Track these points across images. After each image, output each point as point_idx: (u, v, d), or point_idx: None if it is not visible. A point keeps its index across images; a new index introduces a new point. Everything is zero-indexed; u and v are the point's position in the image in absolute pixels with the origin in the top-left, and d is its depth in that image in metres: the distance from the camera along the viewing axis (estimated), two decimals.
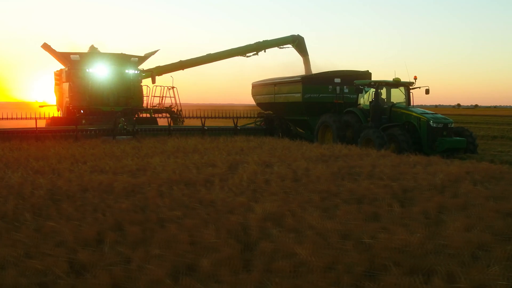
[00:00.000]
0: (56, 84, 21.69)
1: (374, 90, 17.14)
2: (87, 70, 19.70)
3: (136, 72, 20.97)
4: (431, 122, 15.20)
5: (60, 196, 7.20)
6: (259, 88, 23.29)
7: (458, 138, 15.50)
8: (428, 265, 4.24)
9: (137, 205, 6.74)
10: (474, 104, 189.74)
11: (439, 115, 15.90)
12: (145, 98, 21.56)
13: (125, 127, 17.01)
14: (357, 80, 17.97)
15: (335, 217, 6.02)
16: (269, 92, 22.01)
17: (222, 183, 8.39)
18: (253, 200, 7.09)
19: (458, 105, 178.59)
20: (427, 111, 16.41)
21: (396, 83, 17.17)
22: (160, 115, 22.01)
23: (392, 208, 6.45)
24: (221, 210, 6.53)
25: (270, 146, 14.36)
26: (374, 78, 19.64)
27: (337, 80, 19.40)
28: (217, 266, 4.37)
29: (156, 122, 21.50)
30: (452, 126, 15.64)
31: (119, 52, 21.08)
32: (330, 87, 19.34)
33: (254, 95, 23.77)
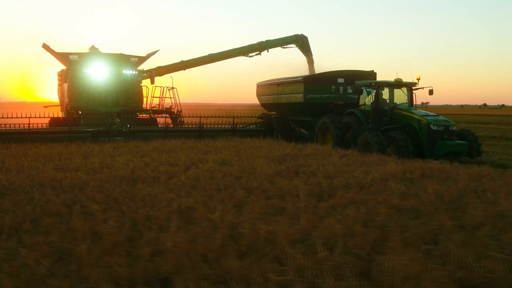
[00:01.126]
0: (58, 85, 22.61)
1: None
2: (84, 71, 20.32)
3: (135, 72, 21.50)
4: (431, 125, 15.03)
5: (9, 191, 7.89)
6: (263, 89, 23.48)
7: (459, 141, 15.27)
8: (275, 252, 4.67)
9: (71, 199, 7.35)
10: (500, 104, 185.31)
11: (441, 118, 15.69)
12: (145, 99, 22.04)
13: (119, 128, 17.41)
14: (362, 80, 17.86)
15: (239, 211, 6.48)
16: (273, 93, 22.18)
17: (168, 180, 8.95)
18: (184, 196, 7.59)
19: (484, 105, 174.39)
20: (429, 113, 16.23)
21: (398, 84, 17.01)
22: (160, 116, 22.51)
23: (307, 204, 6.83)
24: (146, 205, 7.06)
25: (246, 145, 14.78)
26: (379, 78, 19.59)
27: (341, 80, 19.33)
28: (97, 252, 4.92)
29: (156, 123, 21.79)
30: (454, 129, 15.42)
31: (120, 52, 21.61)
32: (333, 87, 19.32)
33: (258, 95, 23.99)
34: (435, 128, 15.01)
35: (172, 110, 22.61)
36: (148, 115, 22.14)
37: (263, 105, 23.65)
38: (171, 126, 20.74)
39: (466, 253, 4.70)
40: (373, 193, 7.42)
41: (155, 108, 22.61)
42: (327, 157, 11.75)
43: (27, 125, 16.63)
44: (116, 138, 17.12)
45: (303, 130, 21.74)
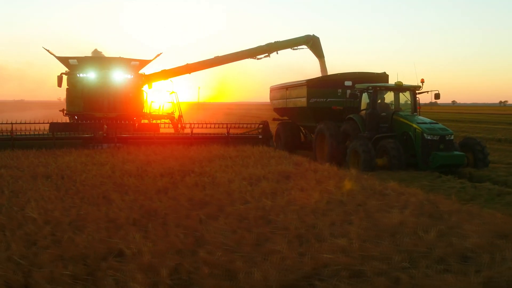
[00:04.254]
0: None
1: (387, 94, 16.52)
2: (79, 75, 21.01)
3: (132, 76, 21.88)
4: (425, 134, 14.31)
5: None
6: (274, 93, 23.39)
7: (456, 153, 14.49)
8: None
9: None
10: None
11: (438, 126, 14.95)
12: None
13: (104, 134, 17.69)
14: (373, 83, 17.04)
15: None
16: (282, 97, 22.02)
17: (76, 176, 9.92)
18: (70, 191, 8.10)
19: (504, 102, 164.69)
20: (427, 120, 15.50)
21: (398, 88, 16.33)
22: (160, 121, 22.90)
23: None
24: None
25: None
26: (391, 80, 18.70)
27: (348, 83, 18.59)
28: None
29: (158, 129, 21.96)
30: (452, 138, 14.66)
31: (126, 56, 22.25)
32: (340, 90, 18.68)
33: (271, 99, 23.92)
34: (429, 137, 14.28)
35: (172, 115, 23.02)
36: (148, 121, 22.52)
37: (275, 109, 23.50)
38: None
39: None
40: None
41: (154, 113, 23.06)
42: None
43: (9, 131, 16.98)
44: (103, 144, 17.37)
45: (313, 136, 20.94)
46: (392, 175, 12.90)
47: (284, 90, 21.81)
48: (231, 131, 20.07)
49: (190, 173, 11.78)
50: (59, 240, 6.38)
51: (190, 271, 5.25)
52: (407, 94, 16.58)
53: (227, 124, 20.20)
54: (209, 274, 5.15)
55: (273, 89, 23.52)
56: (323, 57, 25.01)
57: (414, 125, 14.80)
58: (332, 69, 24.25)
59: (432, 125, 14.89)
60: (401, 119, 15.53)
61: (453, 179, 12.82)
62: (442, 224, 6.74)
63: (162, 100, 23.62)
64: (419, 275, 4.96)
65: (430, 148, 14.22)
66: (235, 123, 21.52)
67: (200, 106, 68.19)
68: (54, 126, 19.57)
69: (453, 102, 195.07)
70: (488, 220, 6.96)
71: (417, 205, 8.02)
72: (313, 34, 25.01)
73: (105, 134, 17.74)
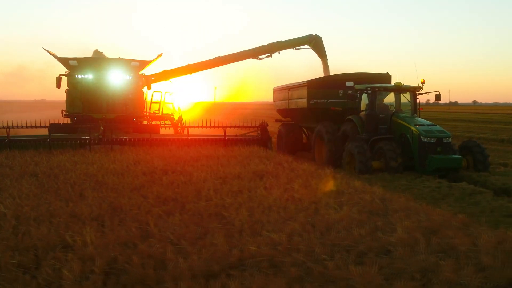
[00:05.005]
0: None
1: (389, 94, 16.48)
2: (77, 76, 21.27)
3: (132, 77, 21.96)
4: (422, 136, 14.19)
5: None
6: (277, 94, 23.53)
7: (454, 156, 14.36)
8: None
9: None
10: None
11: (435, 128, 14.81)
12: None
13: (100, 136, 17.88)
14: (375, 84, 17.00)
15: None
16: (285, 98, 22.11)
17: (63, 175, 11.20)
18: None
19: None
20: (426, 122, 15.36)
21: (397, 88, 16.19)
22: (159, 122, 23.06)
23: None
24: None
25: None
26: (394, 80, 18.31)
27: (350, 83, 18.38)
28: None
29: (158, 130, 22.01)
30: (449, 141, 14.50)
31: (127, 56, 22.42)
32: (341, 91, 18.52)
33: (274, 100, 24.12)
34: (426, 140, 14.14)
35: (172, 116, 23.31)
36: (147, 122, 22.68)
37: (278, 111, 23.67)
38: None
39: None
40: None
41: (154, 114, 23.17)
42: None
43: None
44: (97, 146, 17.52)
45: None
46: (382, 177, 13.20)
47: (286, 91, 21.93)
48: (230, 132, 19.86)
49: (170, 172, 12.30)
50: (18, 232, 6.95)
51: (125, 261, 5.75)
52: (407, 95, 16.38)
53: (225, 125, 19.79)
54: (141, 264, 5.64)
55: (276, 90, 23.67)
56: (326, 57, 24.95)
57: (412, 127, 14.66)
58: (334, 70, 24.30)
59: (429, 127, 14.74)
60: (399, 121, 15.40)
61: (432, 179, 13.07)
62: (381, 221, 7.10)
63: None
64: (332, 266, 5.36)
65: (427, 151, 14.08)
66: (234, 125, 20.97)
67: (216, 106, 68.81)
68: (53, 127, 19.53)
69: (474, 101, 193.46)
70: (427, 217, 7.28)
71: (368, 202, 8.38)
72: (316, 34, 25.02)
73: (100, 136, 17.91)
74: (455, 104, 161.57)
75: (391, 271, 5.23)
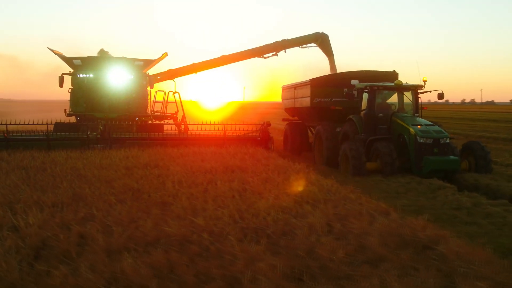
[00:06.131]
0: None
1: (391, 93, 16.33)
2: (81, 75, 22.00)
3: (135, 76, 22.55)
4: (418, 137, 13.95)
5: None
6: (285, 92, 23.69)
7: (451, 157, 13.94)
8: None
9: None
10: None
11: (433, 128, 14.44)
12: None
13: (98, 136, 18.41)
14: (381, 82, 16.70)
15: None
16: (291, 96, 22.25)
17: (51, 169, 12.29)
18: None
19: None
20: (425, 122, 14.98)
21: (397, 87, 15.95)
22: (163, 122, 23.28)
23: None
24: None
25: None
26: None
27: (354, 82, 17.85)
28: None
29: (162, 130, 21.71)
30: (447, 141, 14.14)
31: (133, 56, 22.96)
32: (346, 90, 17.88)
33: (282, 99, 24.33)
34: (422, 140, 13.87)
35: (175, 115, 23.95)
36: (151, 121, 23.11)
37: (286, 109, 23.88)
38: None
39: None
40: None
41: (157, 114, 23.85)
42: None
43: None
44: (96, 145, 18.07)
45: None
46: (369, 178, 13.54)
47: (292, 89, 22.10)
48: (231, 132, 20.22)
49: (151, 167, 13.16)
50: None
51: (54, 239, 6.62)
52: (408, 94, 16.09)
53: (224, 125, 20.10)
54: (66, 240, 6.51)
55: (284, 89, 23.82)
56: (333, 55, 25.32)
57: (409, 127, 14.45)
58: (341, 69, 24.40)
59: (427, 127, 14.45)
60: (398, 121, 15.13)
61: (407, 175, 13.46)
62: (306, 209, 7.76)
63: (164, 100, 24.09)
64: (228, 245, 6.10)
65: (423, 152, 13.87)
66: (236, 124, 21.43)
67: (244, 106, 69.70)
68: (58, 126, 19.97)
69: (492, 101, 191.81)
70: (352, 207, 7.89)
71: (311, 193, 8.99)
72: (322, 32, 25.46)
73: (98, 136, 18.44)
74: (491, 103, 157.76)
75: (276, 249, 5.91)
